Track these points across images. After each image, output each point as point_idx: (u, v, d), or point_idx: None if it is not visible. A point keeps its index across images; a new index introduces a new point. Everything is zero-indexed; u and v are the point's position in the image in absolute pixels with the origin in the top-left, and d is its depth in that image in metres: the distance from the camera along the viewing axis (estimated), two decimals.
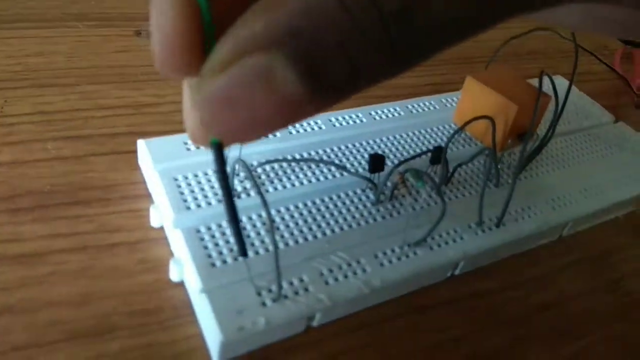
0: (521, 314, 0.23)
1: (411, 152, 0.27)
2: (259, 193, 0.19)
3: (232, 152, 0.23)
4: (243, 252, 0.17)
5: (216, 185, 0.23)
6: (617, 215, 0.30)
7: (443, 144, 0.25)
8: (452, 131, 0.27)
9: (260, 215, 0.22)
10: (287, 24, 0.11)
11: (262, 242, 0.21)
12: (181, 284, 0.21)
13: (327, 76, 0.11)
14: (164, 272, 0.21)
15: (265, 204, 0.18)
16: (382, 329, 0.21)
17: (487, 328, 0.22)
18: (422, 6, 0.11)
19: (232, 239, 0.21)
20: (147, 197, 0.24)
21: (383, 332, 0.21)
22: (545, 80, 0.26)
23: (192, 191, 0.22)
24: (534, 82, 0.27)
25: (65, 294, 0.20)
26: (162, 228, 0.22)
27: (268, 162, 0.24)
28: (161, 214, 0.22)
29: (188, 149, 0.24)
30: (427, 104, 0.31)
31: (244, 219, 0.22)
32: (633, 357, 0.23)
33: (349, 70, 0.11)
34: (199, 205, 0.22)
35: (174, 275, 0.21)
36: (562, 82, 0.36)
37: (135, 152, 0.25)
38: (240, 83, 0.11)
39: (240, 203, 0.22)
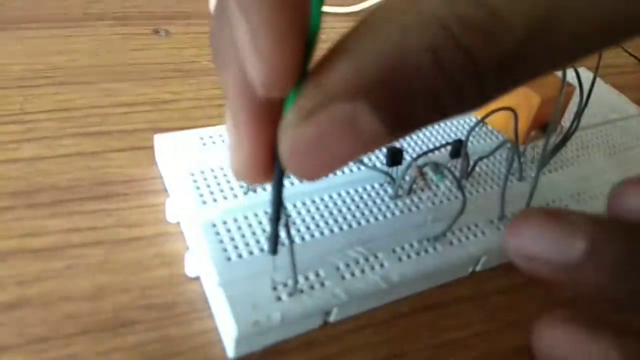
0: (544, 310, 0.22)
1: (430, 145, 0.27)
2: (275, 186, 0.18)
3: None
4: (274, 250, 0.18)
5: (232, 180, 0.23)
6: None
7: (463, 137, 0.24)
8: (472, 124, 0.27)
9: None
10: (375, 76, 0.11)
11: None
12: (197, 279, 0.21)
13: (412, 121, 0.12)
14: (180, 267, 0.21)
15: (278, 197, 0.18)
16: (399, 325, 0.21)
17: (508, 326, 0.22)
18: (520, 60, 0.11)
19: (248, 233, 0.21)
20: (165, 192, 0.24)
21: (400, 328, 0.21)
22: (571, 72, 0.26)
23: (209, 185, 0.22)
24: (558, 74, 0.26)
25: (82, 287, 0.20)
26: (178, 223, 0.22)
27: None
28: (178, 208, 0.22)
29: (204, 144, 0.24)
30: None
31: (260, 212, 0.22)
32: None
33: (438, 117, 0.12)
34: (215, 200, 0.22)
35: (190, 270, 0.20)
36: (587, 75, 0.35)
37: (153, 147, 0.25)
38: (327, 130, 0.12)
39: (257, 197, 0.22)
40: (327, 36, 0.41)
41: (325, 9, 0.39)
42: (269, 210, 0.22)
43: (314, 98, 0.12)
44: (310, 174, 0.13)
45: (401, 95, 0.11)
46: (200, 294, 0.20)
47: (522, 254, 0.15)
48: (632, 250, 0.13)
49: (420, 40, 0.11)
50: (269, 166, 0.14)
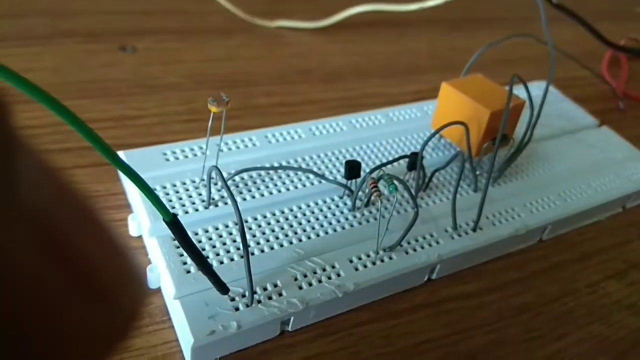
0: (498, 317, 0.23)
1: (390, 158, 0.28)
2: (232, 199, 0.19)
3: (209, 161, 0.24)
4: (225, 291, 0.19)
5: (193, 194, 0.23)
6: (600, 219, 0.30)
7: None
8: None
9: (236, 223, 0.23)
10: None
11: (238, 248, 0.22)
12: (159, 291, 0.21)
13: None
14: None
15: (237, 209, 0.19)
16: (357, 333, 0.22)
17: (463, 331, 0.23)
18: None
19: (207, 246, 0.21)
20: (128, 207, 0.24)
21: (357, 336, 0.21)
22: (534, 86, 0.27)
23: (170, 200, 0.23)
24: (520, 91, 0.27)
25: None
26: (141, 238, 0.23)
27: (245, 170, 0.24)
28: (139, 223, 0.22)
29: (167, 160, 0.25)
30: (408, 111, 0.31)
31: (220, 226, 0.22)
32: (607, 358, 0.23)
33: None
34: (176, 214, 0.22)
35: (151, 283, 0.21)
36: (549, 90, 0.36)
37: None
38: None
39: (217, 211, 0.23)
40: (298, 51, 0.42)
41: (294, 24, 0.40)
42: (230, 223, 0.22)
43: None
44: None
45: None
46: (161, 306, 0.21)
47: None
48: None
49: None
50: None
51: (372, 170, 0.23)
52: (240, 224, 0.19)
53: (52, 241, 0.07)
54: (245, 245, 0.19)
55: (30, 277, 0.07)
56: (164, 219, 0.16)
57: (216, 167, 0.21)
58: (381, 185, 0.22)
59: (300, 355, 0.20)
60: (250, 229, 0.23)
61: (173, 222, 0.16)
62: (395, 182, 0.22)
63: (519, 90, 0.28)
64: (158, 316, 0.21)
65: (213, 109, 0.21)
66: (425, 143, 0.25)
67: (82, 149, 0.26)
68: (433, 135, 0.25)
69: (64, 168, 0.25)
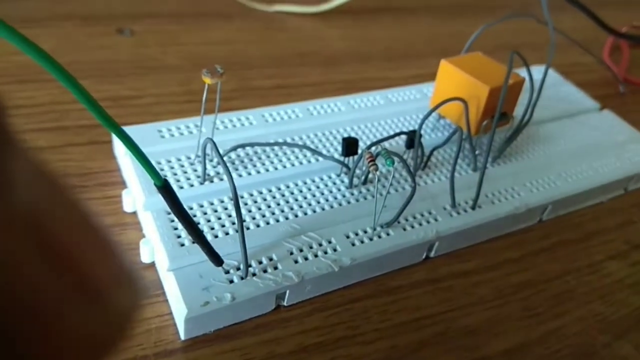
0: (496, 294, 0.23)
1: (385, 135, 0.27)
2: (226, 172, 0.19)
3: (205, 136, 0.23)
4: (219, 262, 0.19)
5: (189, 170, 0.23)
6: (602, 200, 0.29)
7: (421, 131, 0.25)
8: (430, 118, 0.27)
9: (231, 199, 0.22)
10: None
11: (233, 223, 0.21)
12: (152, 266, 0.21)
13: None
14: (135, 255, 0.21)
15: (231, 181, 0.18)
16: (354, 308, 0.21)
17: (462, 307, 0.22)
18: None
19: (202, 220, 0.21)
20: (122, 184, 0.24)
21: (354, 312, 0.21)
22: (535, 70, 0.26)
23: (165, 175, 0.23)
24: (522, 73, 0.27)
25: None
26: (135, 214, 0.23)
27: (241, 145, 0.24)
28: (134, 197, 0.22)
29: (162, 137, 0.24)
30: (407, 92, 0.31)
31: (215, 201, 0.22)
32: (607, 336, 0.22)
33: None
34: None
35: (144, 256, 0.21)
36: (551, 74, 0.36)
37: (111, 142, 0.25)
38: None
39: (212, 186, 0.23)
40: (297, 35, 0.42)
41: (293, 9, 0.40)
42: (225, 198, 0.22)
43: None
44: None
45: None
46: (155, 281, 0.21)
47: None
48: None
49: None
50: None
51: (369, 146, 0.23)
52: (235, 196, 0.19)
53: (47, 244, 0.07)
54: (240, 216, 0.19)
55: (24, 279, 0.07)
56: (155, 184, 0.16)
57: (211, 139, 0.20)
58: (379, 163, 0.22)
59: (296, 329, 0.20)
60: (245, 204, 0.22)
61: (164, 187, 0.16)
62: (393, 157, 0.22)
63: (520, 72, 0.27)
64: (152, 290, 0.20)
65: (207, 80, 0.20)
66: (424, 119, 0.24)
67: (77, 127, 0.26)
68: (432, 111, 0.25)
69: (59, 146, 0.25)
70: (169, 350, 0.19)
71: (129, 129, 0.24)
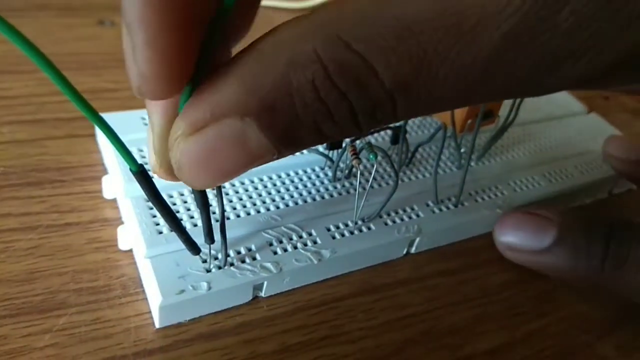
0: (481, 293, 0.23)
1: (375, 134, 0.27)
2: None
3: None
4: (196, 251, 0.19)
5: None
6: (586, 202, 0.29)
7: (408, 128, 0.25)
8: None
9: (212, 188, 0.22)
10: (265, 99, 0.12)
11: (214, 212, 0.21)
12: (133, 264, 0.20)
13: (297, 141, 0.13)
14: (114, 251, 0.21)
15: None
16: (339, 307, 0.21)
17: (444, 306, 0.22)
18: (390, 107, 0.12)
19: (182, 208, 0.21)
20: (103, 176, 0.23)
21: (339, 310, 0.21)
22: None
23: (146, 163, 0.22)
24: None
25: (14, 271, 0.19)
26: (115, 200, 0.22)
27: None
28: (114, 185, 0.22)
29: (145, 124, 0.24)
30: None
31: None
32: (590, 336, 0.22)
33: (319, 138, 0.13)
34: (152, 176, 0.22)
35: (122, 244, 0.20)
36: None
37: (91, 135, 0.25)
38: (216, 145, 0.12)
39: None
40: None
41: (279, 4, 0.40)
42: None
43: (203, 112, 0.12)
44: (200, 184, 0.14)
45: (287, 119, 0.12)
46: (135, 278, 0.20)
47: (507, 246, 0.22)
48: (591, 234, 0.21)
49: (303, 75, 0.12)
50: (178, 70, 0.13)
51: (353, 140, 0.23)
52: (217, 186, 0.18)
53: None
54: (222, 206, 0.18)
55: None
56: (130, 169, 0.16)
57: None
58: (363, 157, 0.22)
59: (279, 328, 0.20)
60: (227, 194, 0.22)
61: (140, 172, 0.16)
62: (377, 151, 0.21)
63: None
64: (131, 287, 0.20)
65: None
66: None
67: (56, 120, 0.26)
68: None
69: (36, 139, 0.24)
70: (149, 350, 0.18)
71: (112, 116, 0.24)
